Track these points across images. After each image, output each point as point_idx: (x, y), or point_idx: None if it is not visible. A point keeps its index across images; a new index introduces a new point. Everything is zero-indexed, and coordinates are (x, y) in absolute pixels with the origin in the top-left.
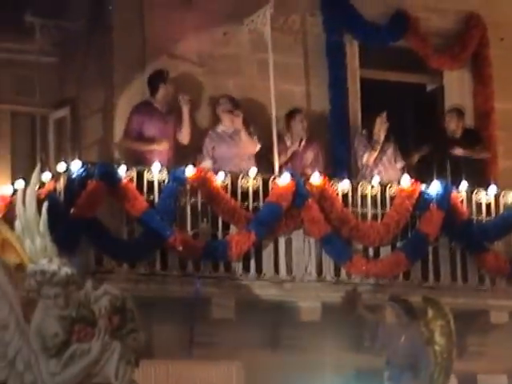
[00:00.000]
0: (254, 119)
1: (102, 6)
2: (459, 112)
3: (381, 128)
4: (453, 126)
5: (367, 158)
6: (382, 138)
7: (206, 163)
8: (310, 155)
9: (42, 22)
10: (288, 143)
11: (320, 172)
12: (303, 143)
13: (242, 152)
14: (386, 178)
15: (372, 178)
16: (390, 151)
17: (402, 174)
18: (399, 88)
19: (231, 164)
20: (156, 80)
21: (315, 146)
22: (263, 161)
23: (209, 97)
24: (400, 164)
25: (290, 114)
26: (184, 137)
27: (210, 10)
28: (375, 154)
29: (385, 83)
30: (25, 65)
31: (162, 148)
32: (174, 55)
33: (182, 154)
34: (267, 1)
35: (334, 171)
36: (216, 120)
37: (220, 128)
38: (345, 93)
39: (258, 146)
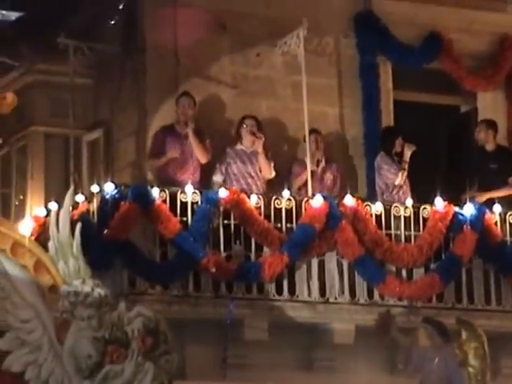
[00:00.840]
0: (285, 141)
1: (136, 29)
2: (489, 123)
3: (408, 149)
4: (482, 135)
5: (400, 178)
6: (408, 157)
7: (217, 178)
8: (329, 177)
9: (76, 44)
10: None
11: (352, 194)
12: (322, 164)
13: (256, 174)
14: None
15: (400, 199)
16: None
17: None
18: (433, 110)
19: (242, 182)
20: (175, 102)
21: (334, 167)
22: (274, 183)
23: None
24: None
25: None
26: (200, 157)
27: (244, 32)
28: (405, 174)
29: (418, 105)
30: (59, 87)
31: (171, 156)
32: (207, 77)
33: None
34: (301, 23)
35: (367, 193)
36: (236, 138)
37: (239, 146)
38: (378, 114)
39: (274, 174)
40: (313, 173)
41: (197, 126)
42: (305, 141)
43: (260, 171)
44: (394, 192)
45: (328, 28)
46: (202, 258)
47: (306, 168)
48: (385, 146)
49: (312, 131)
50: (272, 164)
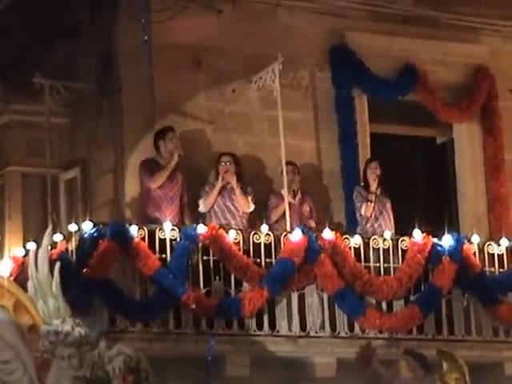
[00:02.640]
0: (262, 176)
1: (111, 67)
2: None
3: (371, 177)
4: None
5: (365, 209)
6: (374, 186)
7: (201, 200)
8: (306, 208)
9: (52, 83)
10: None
11: (330, 228)
12: (299, 196)
13: (235, 208)
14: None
15: (375, 231)
16: (388, 205)
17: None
18: (409, 141)
19: (221, 218)
20: (157, 138)
21: (309, 199)
22: (254, 217)
23: (218, 154)
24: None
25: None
26: (245, 207)
27: (219, 68)
28: (371, 206)
29: (394, 137)
30: (35, 126)
31: (155, 185)
32: (183, 113)
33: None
34: (275, 58)
35: (346, 226)
36: (215, 176)
37: (217, 183)
38: (355, 148)
39: (252, 207)
40: (290, 205)
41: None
42: (282, 174)
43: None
44: (369, 225)
45: (303, 62)
46: (182, 295)
47: (282, 200)
48: (364, 177)
49: (288, 163)
50: (250, 197)
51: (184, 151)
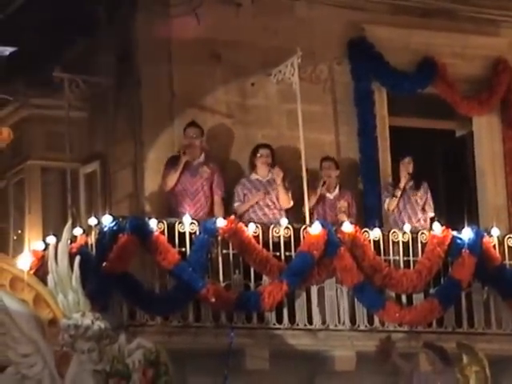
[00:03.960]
0: (283, 169)
1: (130, 61)
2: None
3: (402, 174)
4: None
5: (388, 204)
6: (403, 183)
7: (237, 205)
8: (343, 204)
9: (71, 77)
10: (318, 191)
11: (351, 221)
12: (336, 191)
13: (273, 203)
14: (411, 225)
15: (403, 225)
16: (417, 199)
17: (431, 223)
18: (428, 135)
19: (259, 213)
20: (184, 132)
21: (348, 195)
22: (292, 211)
23: (238, 148)
24: (430, 213)
25: (320, 162)
26: (286, 203)
27: (238, 62)
28: (395, 201)
29: (414, 130)
30: (54, 120)
31: (167, 187)
32: (202, 107)
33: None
34: (294, 51)
35: (365, 219)
36: (250, 167)
37: (254, 176)
38: (374, 141)
39: (292, 203)
40: (327, 200)
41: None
42: (321, 168)
43: (277, 200)
44: (391, 219)
45: (322, 56)
46: (202, 288)
47: (319, 197)
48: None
49: (327, 158)
50: (290, 193)
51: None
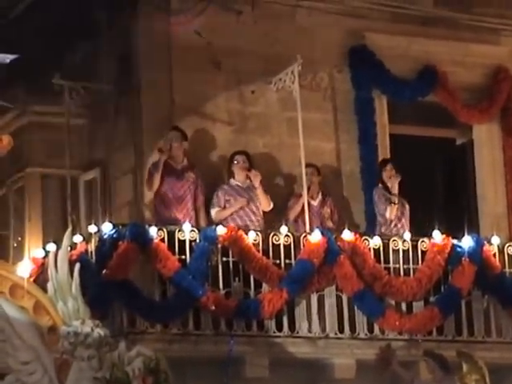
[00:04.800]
0: (282, 177)
1: (130, 68)
2: None
3: (391, 180)
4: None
5: (389, 212)
6: (396, 188)
7: (213, 211)
8: (326, 210)
9: (71, 84)
10: (301, 199)
11: (333, 228)
12: (319, 198)
13: (256, 208)
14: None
15: (398, 232)
16: (406, 206)
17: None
18: (429, 143)
19: (246, 219)
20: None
21: (330, 201)
22: (271, 216)
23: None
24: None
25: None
26: (265, 206)
27: (238, 69)
28: (395, 208)
29: (414, 138)
30: (54, 127)
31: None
32: (202, 114)
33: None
34: (295, 59)
35: (366, 227)
36: (228, 174)
37: (233, 182)
38: (374, 149)
39: (271, 205)
40: (310, 206)
41: (193, 162)
42: (302, 175)
43: (259, 205)
44: (392, 225)
45: (322, 63)
46: (202, 296)
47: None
48: (381, 179)
49: (308, 165)
50: (268, 197)
51: (203, 152)
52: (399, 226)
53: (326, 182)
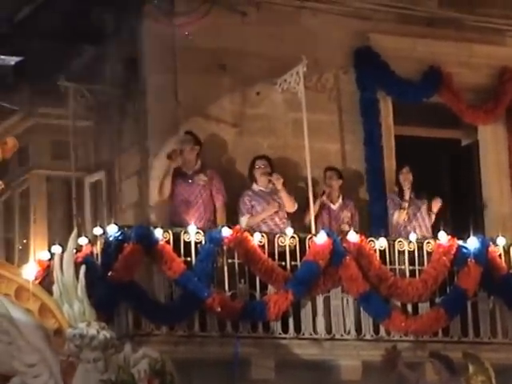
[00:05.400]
0: (288, 179)
1: (136, 70)
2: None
3: (405, 183)
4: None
5: (397, 216)
6: (408, 194)
7: (244, 219)
8: (346, 214)
9: (76, 86)
10: (318, 201)
11: (356, 231)
12: (340, 202)
13: (280, 211)
14: (420, 234)
15: (408, 234)
16: (424, 207)
17: (433, 231)
18: (434, 144)
19: (271, 223)
20: (181, 143)
21: (351, 205)
22: (296, 220)
23: (243, 157)
24: (430, 221)
25: (324, 171)
26: (290, 207)
27: (243, 71)
28: (404, 213)
29: (419, 139)
30: (59, 130)
31: (164, 196)
32: (207, 116)
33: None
34: (300, 60)
35: (371, 229)
36: (250, 179)
37: (256, 187)
38: (380, 150)
39: (296, 206)
40: (330, 210)
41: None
42: (324, 178)
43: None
44: (401, 228)
45: (327, 64)
46: (207, 298)
47: (320, 206)
48: (397, 181)
49: (330, 168)
50: (293, 198)
51: (208, 154)
52: (409, 228)
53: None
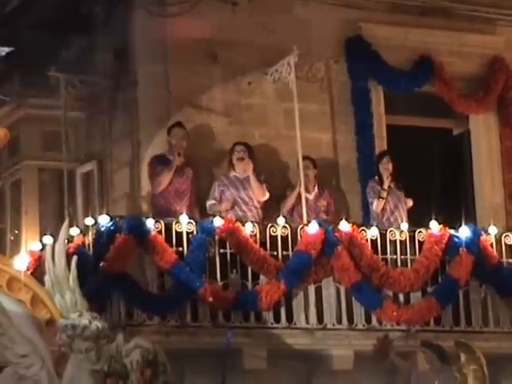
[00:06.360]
0: (280, 168)
1: (127, 60)
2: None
3: (384, 173)
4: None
5: (376, 206)
6: (387, 183)
7: (209, 203)
8: (322, 203)
9: (67, 77)
10: (295, 191)
11: (329, 220)
12: (315, 191)
13: (250, 199)
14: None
15: (391, 225)
16: (402, 198)
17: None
18: (425, 133)
19: (237, 209)
20: (167, 133)
21: (327, 193)
22: (270, 209)
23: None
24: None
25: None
26: (260, 196)
27: (234, 61)
28: (382, 203)
29: (411, 129)
30: (51, 120)
31: (161, 187)
32: (199, 106)
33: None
34: (291, 50)
35: (363, 218)
36: (228, 165)
37: (232, 173)
38: (371, 140)
39: (267, 195)
40: (306, 199)
41: (190, 155)
42: (298, 167)
43: (252, 195)
44: (385, 218)
45: (318, 54)
46: (199, 288)
47: (297, 194)
48: (378, 171)
49: (305, 158)
50: (264, 186)
51: (200, 144)
52: (392, 219)
53: (322, 173)
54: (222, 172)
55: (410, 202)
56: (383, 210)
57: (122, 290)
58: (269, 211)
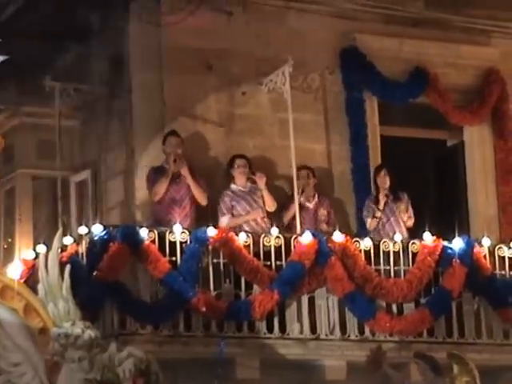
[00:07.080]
0: (275, 178)
1: (122, 69)
2: None
3: (382, 188)
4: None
5: (369, 224)
6: (383, 202)
7: (225, 219)
8: (322, 212)
9: (62, 85)
10: (300, 200)
11: (331, 230)
12: (315, 200)
13: (260, 210)
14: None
15: (391, 236)
16: (401, 207)
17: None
18: (419, 144)
19: (253, 223)
20: (164, 141)
21: (327, 203)
22: (275, 220)
23: (229, 157)
24: (409, 223)
25: (297, 171)
26: (200, 199)
27: (229, 71)
28: (376, 221)
29: (405, 140)
30: (45, 129)
31: (157, 196)
32: (193, 116)
33: (202, 215)
34: (286, 60)
35: (357, 229)
36: (227, 178)
37: (235, 187)
38: (365, 150)
39: (275, 205)
40: (305, 208)
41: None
42: (298, 178)
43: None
44: (375, 232)
45: (313, 65)
46: (192, 298)
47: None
48: (375, 184)
49: (303, 167)
50: (272, 197)
51: (193, 154)
52: (387, 229)
53: (317, 184)
54: (216, 182)
55: (411, 222)
56: (378, 222)
57: (116, 299)
58: (271, 221)
